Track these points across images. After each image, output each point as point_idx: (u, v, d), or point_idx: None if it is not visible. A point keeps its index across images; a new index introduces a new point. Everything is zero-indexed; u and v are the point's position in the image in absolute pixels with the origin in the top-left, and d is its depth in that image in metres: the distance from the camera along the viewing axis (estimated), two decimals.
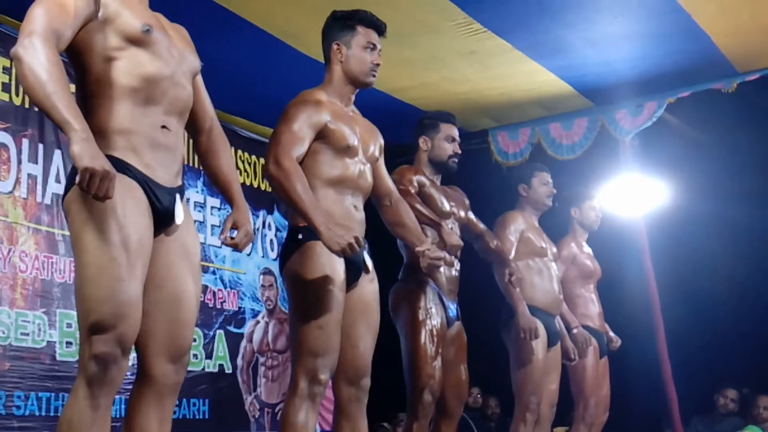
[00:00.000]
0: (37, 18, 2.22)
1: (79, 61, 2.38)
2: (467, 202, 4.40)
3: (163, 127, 2.42)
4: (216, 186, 2.76)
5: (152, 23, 2.45)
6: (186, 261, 2.46)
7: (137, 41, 2.38)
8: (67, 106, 2.14)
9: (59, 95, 2.13)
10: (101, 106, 2.36)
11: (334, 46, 3.33)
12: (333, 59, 3.34)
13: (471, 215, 4.37)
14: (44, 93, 2.13)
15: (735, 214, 6.05)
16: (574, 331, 4.90)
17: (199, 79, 2.65)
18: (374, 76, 3.35)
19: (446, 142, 4.23)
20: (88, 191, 2.10)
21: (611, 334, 5.31)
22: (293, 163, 3.07)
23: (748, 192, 6.07)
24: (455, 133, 4.29)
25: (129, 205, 2.29)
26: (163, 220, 2.40)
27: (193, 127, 2.67)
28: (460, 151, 4.28)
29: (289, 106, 3.24)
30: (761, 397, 6.42)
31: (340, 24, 3.35)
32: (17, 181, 4.64)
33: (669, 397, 6.21)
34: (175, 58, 2.48)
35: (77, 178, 2.09)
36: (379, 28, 3.37)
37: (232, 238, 2.62)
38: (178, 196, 2.46)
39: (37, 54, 2.16)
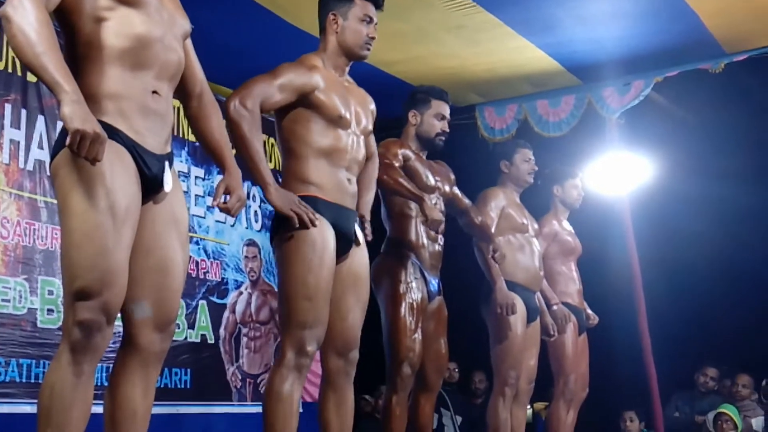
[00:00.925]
0: None
1: (68, 22, 2.35)
2: (453, 176, 4.40)
3: (154, 92, 2.40)
4: (206, 151, 2.74)
5: None
6: (174, 229, 2.45)
7: (127, 1, 2.35)
8: (58, 67, 2.12)
9: (49, 56, 2.11)
10: (90, 69, 2.33)
11: (330, 17, 3.31)
12: (328, 29, 3.32)
13: (456, 190, 4.37)
14: (34, 53, 2.11)
15: (720, 193, 6.08)
16: (554, 307, 4.93)
17: (189, 42, 2.63)
18: (368, 49, 3.34)
19: (435, 119, 4.21)
20: (78, 153, 2.09)
21: (589, 311, 5.34)
22: (255, 109, 3.04)
23: (733, 172, 6.11)
24: (446, 110, 4.28)
25: (117, 171, 2.27)
26: (151, 187, 2.39)
27: (183, 91, 2.64)
28: (448, 129, 4.27)
29: (284, 63, 3.23)
30: (740, 375, 6.48)
31: None
32: None
33: (649, 374, 6.27)
34: (165, 20, 2.45)
35: (67, 140, 2.08)
36: (377, 1, 3.35)
37: (224, 203, 2.63)
38: (167, 163, 2.44)
39: (27, 14, 2.13)
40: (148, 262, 2.38)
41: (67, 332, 2.24)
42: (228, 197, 2.64)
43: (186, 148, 5.85)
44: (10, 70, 4.59)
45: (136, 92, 2.36)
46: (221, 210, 2.65)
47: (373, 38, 3.33)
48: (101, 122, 2.25)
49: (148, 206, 2.40)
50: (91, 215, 2.22)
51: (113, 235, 2.23)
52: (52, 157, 2.32)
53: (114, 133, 2.29)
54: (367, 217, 3.47)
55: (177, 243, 2.45)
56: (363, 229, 3.35)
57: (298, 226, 2.98)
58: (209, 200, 6.01)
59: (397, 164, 3.96)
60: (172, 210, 2.46)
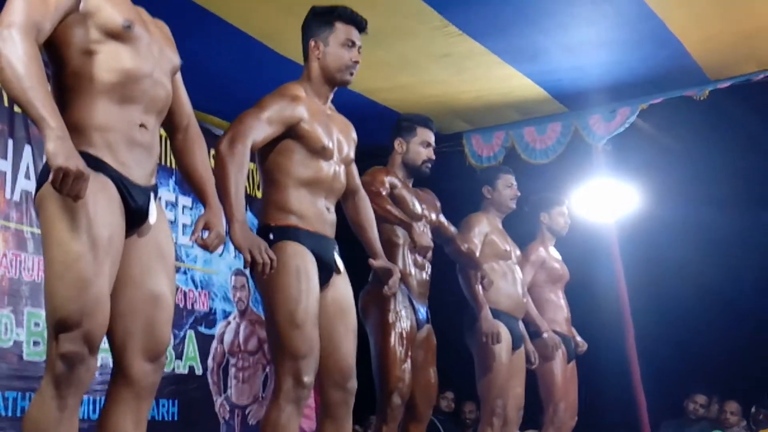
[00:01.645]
0: (16, 9, 2.19)
1: (57, 54, 2.35)
2: (438, 204, 4.41)
3: (141, 125, 2.40)
4: (190, 185, 2.73)
5: (134, 18, 2.42)
6: (161, 262, 2.45)
7: (117, 36, 2.36)
8: (44, 102, 2.11)
9: (36, 90, 2.11)
10: (78, 102, 2.34)
11: (312, 43, 3.30)
12: (311, 56, 3.31)
13: (442, 218, 4.37)
14: (21, 88, 2.11)
15: (706, 219, 6.10)
16: (545, 335, 4.93)
17: (179, 76, 2.63)
18: (352, 74, 3.31)
19: (421, 147, 4.22)
20: (60, 190, 2.09)
21: (578, 338, 5.35)
22: (244, 150, 3.03)
23: (719, 198, 6.14)
24: (431, 138, 4.28)
25: (101, 203, 2.27)
26: (137, 219, 2.39)
27: (171, 124, 2.65)
28: (434, 157, 4.27)
29: (268, 95, 3.22)
30: (729, 402, 6.49)
31: (319, 20, 3.31)
32: None
33: (638, 402, 6.26)
34: (155, 55, 2.46)
35: (50, 177, 2.08)
36: (359, 24, 3.32)
37: (203, 239, 2.62)
38: (152, 195, 2.45)
39: (16, 47, 2.13)
40: (138, 294, 2.38)
41: (50, 365, 2.22)
42: (207, 232, 2.62)
43: (173, 177, 5.84)
44: None
45: (123, 125, 2.36)
46: (199, 246, 2.63)
47: (356, 62, 3.29)
48: (87, 154, 2.27)
49: (134, 239, 2.40)
50: (72, 246, 2.22)
51: (94, 266, 2.23)
52: (37, 188, 2.31)
53: (100, 165, 2.30)
54: (381, 252, 3.55)
55: (164, 275, 2.45)
56: (383, 267, 3.47)
57: (259, 269, 2.88)
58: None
59: (384, 192, 3.97)
60: (158, 243, 2.46)
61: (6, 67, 2.12)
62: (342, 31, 3.28)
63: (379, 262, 3.52)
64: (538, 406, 5.14)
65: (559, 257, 5.35)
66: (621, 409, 6.35)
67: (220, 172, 2.98)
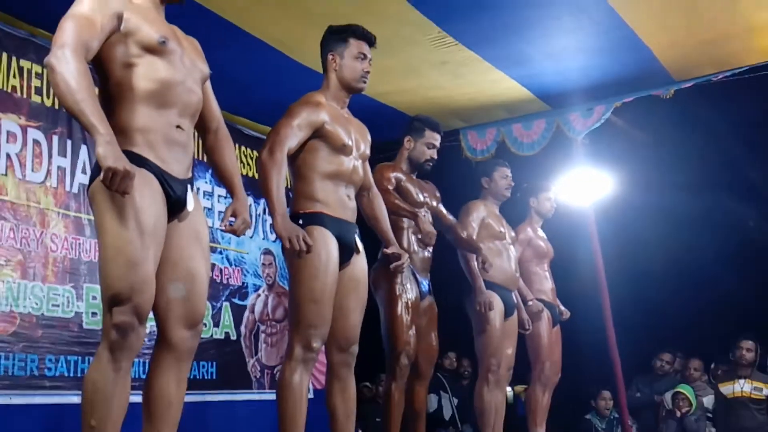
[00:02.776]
0: (67, 31, 2.22)
1: (103, 67, 2.37)
2: (438, 194, 4.40)
3: (177, 126, 2.42)
4: (220, 179, 2.75)
5: (168, 35, 2.44)
6: (197, 244, 2.47)
7: (154, 50, 2.38)
8: (94, 112, 2.14)
9: (87, 102, 2.13)
10: (122, 108, 2.36)
11: (330, 57, 3.32)
12: (329, 68, 3.33)
13: (441, 207, 4.36)
14: (74, 100, 2.13)
15: (672, 202, 6.10)
16: (530, 303, 4.95)
17: (208, 85, 2.64)
18: (365, 82, 3.33)
19: (426, 147, 4.22)
20: (109, 187, 2.12)
21: (562, 307, 5.35)
22: (282, 156, 3.08)
23: (684, 184, 6.13)
24: (437, 141, 4.27)
25: (145, 195, 2.29)
26: (176, 208, 2.41)
27: (202, 126, 2.66)
28: (436, 157, 4.27)
29: (294, 104, 3.24)
30: (692, 359, 6.51)
31: (335, 37, 3.34)
32: (48, 172, 4.63)
33: (613, 361, 6.26)
34: (186, 66, 2.47)
35: (101, 176, 2.10)
36: (369, 39, 3.35)
37: (231, 226, 2.63)
38: (189, 186, 2.46)
39: (69, 65, 2.16)
40: (177, 272, 2.40)
41: (106, 334, 2.26)
42: (234, 220, 2.64)
43: (210, 171, 5.86)
44: (57, 107, 4.60)
45: (161, 127, 2.38)
46: (227, 231, 2.64)
47: (367, 72, 3.32)
48: (132, 152, 2.29)
49: (174, 224, 2.42)
50: (122, 233, 2.24)
51: (141, 250, 2.25)
52: (90, 184, 2.33)
53: (143, 162, 2.32)
54: (394, 240, 3.58)
55: (200, 254, 2.47)
56: (394, 254, 3.49)
57: (296, 253, 2.96)
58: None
59: (391, 188, 4.00)
60: (195, 227, 2.48)
61: (61, 82, 2.15)
62: (355, 46, 3.31)
63: (392, 249, 3.54)
64: (526, 365, 5.15)
65: (545, 236, 5.35)
66: (599, 366, 6.36)
67: (263, 175, 3.06)
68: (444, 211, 4.36)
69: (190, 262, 2.43)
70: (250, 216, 6.16)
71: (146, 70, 2.36)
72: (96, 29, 2.27)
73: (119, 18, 2.34)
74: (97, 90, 2.39)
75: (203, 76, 2.57)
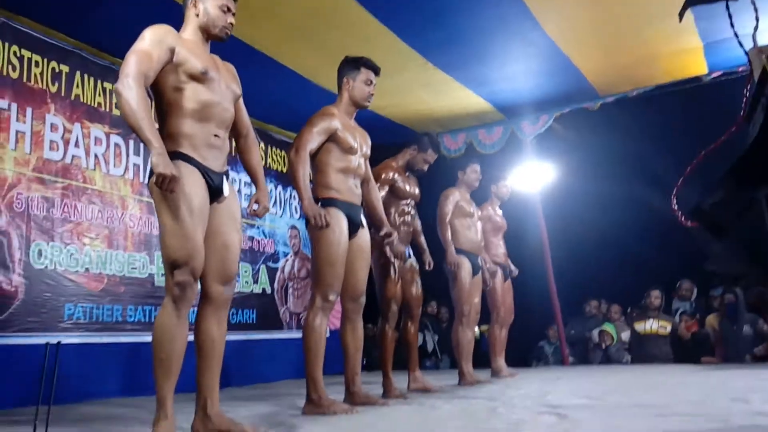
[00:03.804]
0: (131, 64, 2.21)
1: (158, 90, 2.36)
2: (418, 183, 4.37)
3: (215, 135, 2.40)
4: (247, 173, 2.69)
5: (209, 65, 2.41)
6: (232, 221, 2.44)
7: (197, 78, 2.36)
8: (150, 130, 2.14)
9: (145, 122, 2.14)
10: (172, 120, 2.35)
11: (345, 80, 3.32)
12: (343, 88, 3.33)
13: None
14: (135, 119, 2.14)
15: (601, 189, 6.10)
16: (488, 265, 4.97)
17: (240, 102, 2.60)
18: (370, 102, 3.35)
19: (425, 162, 4.15)
20: (160, 188, 2.15)
21: (512, 266, 5.36)
22: (306, 154, 3.09)
23: (608, 175, 6.12)
24: (432, 160, 4.20)
25: (192, 185, 2.29)
26: (215, 194, 2.40)
27: (235, 133, 2.63)
28: (425, 170, 4.19)
29: (314, 115, 3.23)
30: (613, 305, 6.55)
31: (351, 65, 3.34)
32: (126, 168, 4.63)
33: (554, 306, 6.33)
34: (222, 90, 2.44)
35: (154, 179, 2.14)
36: (377, 70, 3.36)
37: (254, 210, 2.60)
38: (224, 177, 2.44)
39: (132, 92, 2.16)
40: (216, 242, 2.38)
41: (168, 290, 2.26)
42: (257, 206, 2.60)
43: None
44: None
45: (203, 135, 2.37)
46: (251, 214, 2.61)
47: (372, 94, 3.33)
48: (180, 152, 2.30)
49: (214, 206, 2.40)
50: (176, 214, 2.24)
51: (191, 227, 2.25)
52: (149, 180, 2.30)
53: (189, 159, 2.32)
54: (386, 221, 3.51)
55: (233, 229, 2.45)
56: (386, 233, 3.44)
57: (317, 227, 3.02)
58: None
59: (388, 178, 3.97)
60: (230, 208, 2.45)
61: (125, 105, 2.16)
62: (365, 73, 3.31)
63: (385, 229, 3.49)
64: (487, 310, 5.17)
65: (501, 213, 5.36)
66: (543, 311, 6.40)
67: (292, 169, 3.07)
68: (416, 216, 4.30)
69: (226, 235, 2.41)
70: (280, 200, 6.22)
71: (191, 93, 2.35)
72: (153, 61, 2.26)
73: (172, 52, 2.33)
74: (153, 104, 2.39)
75: (235, 96, 2.54)
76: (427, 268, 4.29)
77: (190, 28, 2.47)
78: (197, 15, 2.47)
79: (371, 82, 3.32)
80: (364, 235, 3.29)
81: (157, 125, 2.35)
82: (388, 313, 3.90)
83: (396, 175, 4.07)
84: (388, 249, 3.62)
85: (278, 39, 4.54)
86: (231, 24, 2.50)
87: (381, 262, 3.87)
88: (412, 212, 4.15)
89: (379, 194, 3.57)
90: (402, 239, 4.03)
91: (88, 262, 4.23)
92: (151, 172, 2.20)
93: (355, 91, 3.29)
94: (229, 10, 2.49)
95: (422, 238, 4.33)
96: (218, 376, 2.40)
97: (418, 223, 4.29)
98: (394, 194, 4.04)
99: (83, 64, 4.41)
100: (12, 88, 3.96)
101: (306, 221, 3.06)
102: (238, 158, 2.65)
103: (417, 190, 4.23)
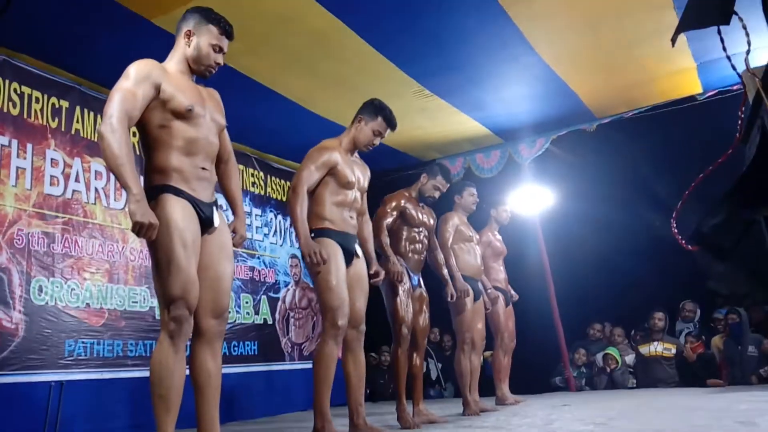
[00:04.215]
0: (115, 103, 2.21)
1: (143, 128, 2.36)
2: (434, 215, 4.35)
3: (203, 168, 2.40)
4: (226, 199, 2.67)
5: (195, 99, 2.40)
6: (223, 251, 2.42)
7: (182, 116, 2.35)
8: (129, 175, 2.13)
9: (125, 167, 2.13)
10: (159, 154, 2.34)
11: (359, 118, 3.33)
12: (354, 126, 3.34)
13: (432, 229, 4.30)
14: (116, 164, 2.14)
15: (599, 211, 6.11)
16: (489, 291, 4.95)
17: (224, 132, 2.59)
18: (368, 150, 3.35)
19: (435, 189, 4.16)
20: (137, 235, 2.15)
21: (513, 291, 5.34)
22: (304, 193, 3.11)
23: (606, 196, 6.14)
24: (444, 186, 4.20)
25: (185, 217, 2.28)
26: (206, 224, 2.39)
27: (218, 159, 2.59)
28: (437, 197, 4.21)
29: (313, 149, 3.24)
30: (616, 328, 6.52)
31: (371, 108, 3.34)
32: (127, 201, 4.63)
33: (557, 330, 6.29)
34: (207, 124, 2.43)
35: (131, 227, 2.14)
36: (393, 126, 3.35)
37: (232, 240, 2.56)
38: (214, 208, 2.43)
39: (115, 134, 2.16)
40: (207, 274, 2.36)
41: (164, 325, 2.24)
42: (234, 235, 2.57)
43: (248, 196, 5.87)
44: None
45: (190, 168, 2.36)
46: None
47: (374, 146, 3.34)
48: (170, 185, 2.29)
49: (205, 237, 2.38)
50: (170, 249, 2.23)
51: (186, 260, 2.24)
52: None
53: (179, 192, 2.31)
54: (375, 261, 3.46)
55: (225, 260, 2.42)
56: (374, 272, 3.39)
57: (313, 263, 3.02)
58: (264, 229, 6.03)
59: (390, 218, 3.97)
60: (221, 238, 2.43)
61: (107, 148, 2.16)
62: (380, 124, 3.32)
63: (373, 269, 3.43)
64: (491, 336, 5.14)
65: (501, 239, 5.35)
66: (546, 335, 6.35)
67: (291, 207, 3.10)
68: (434, 237, 4.31)
69: (218, 266, 2.39)
70: (281, 230, 6.22)
71: (176, 131, 2.34)
72: (138, 100, 2.25)
73: (157, 88, 2.32)
74: (139, 138, 2.38)
75: (220, 127, 2.52)
76: (449, 299, 4.28)
77: (177, 57, 2.46)
78: (188, 45, 2.46)
79: (381, 134, 3.33)
80: (360, 264, 3.28)
81: (143, 158, 2.35)
82: (399, 338, 3.86)
83: (406, 203, 4.08)
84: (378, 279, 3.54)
85: (276, 69, 4.58)
86: (217, 63, 2.49)
87: (390, 288, 3.85)
88: (425, 241, 4.14)
89: (371, 229, 3.54)
90: (412, 267, 4.04)
91: (88, 297, 4.22)
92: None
93: (361, 134, 3.31)
94: (220, 50, 2.48)
95: (444, 270, 4.31)
96: (217, 409, 2.37)
97: (439, 256, 4.30)
98: (405, 221, 4.05)
99: (83, 99, 4.44)
100: (13, 124, 3.99)
101: (302, 257, 3.07)
102: (218, 184, 2.58)
103: (431, 221, 4.24)
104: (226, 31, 2.49)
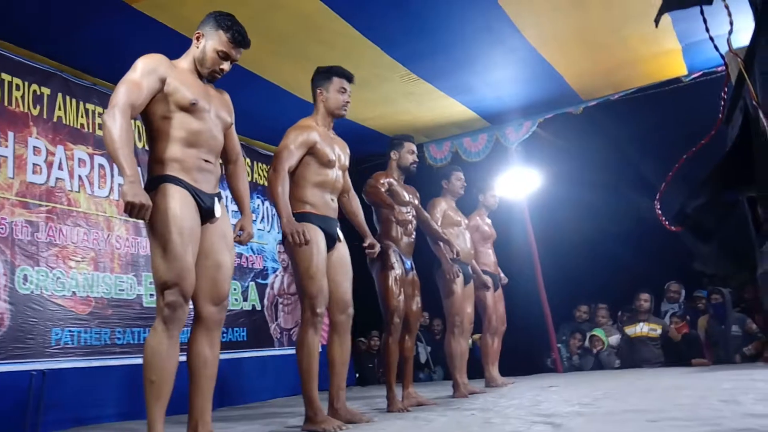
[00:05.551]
0: (120, 94, 2.25)
1: (147, 118, 2.40)
2: (418, 195, 4.37)
3: (206, 161, 2.42)
4: (234, 198, 2.70)
5: (200, 95, 2.43)
6: (223, 241, 2.46)
7: (186, 109, 2.39)
8: (126, 158, 2.15)
9: (123, 151, 2.15)
10: (162, 145, 2.37)
11: (318, 91, 3.29)
12: (318, 100, 3.29)
13: (418, 204, 4.34)
14: (113, 148, 2.16)
15: (586, 193, 6.13)
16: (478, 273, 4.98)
17: (232, 129, 2.62)
18: (346, 110, 3.29)
19: (409, 154, 4.14)
20: (130, 215, 2.15)
21: (502, 275, 5.38)
22: (284, 172, 3.06)
23: (593, 179, 6.16)
24: (415, 147, 4.21)
25: (183, 206, 2.30)
26: (207, 215, 2.41)
27: (225, 158, 2.65)
28: (417, 160, 4.21)
29: (291, 129, 3.19)
30: (601, 309, 6.58)
31: (322, 76, 3.30)
32: (111, 188, 4.61)
33: (545, 312, 6.34)
34: (212, 119, 2.46)
35: (124, 207, 2.13)
36: (349, 77, 3.31)
37: (239, 237, 2.60)
38: (216, 198, 2.46)
39: (116, 122, 2.19)
40: (208, 262, 2.40)
41: (159, 311, 2.26)
42: (242, 233, 2.61)
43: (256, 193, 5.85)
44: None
45: (193, 160, 2.39)
46: (235, 241, 2.58)
47: (348, 102, 3.28)
48: (171, 175, 2.31)
49: (206, 226, 2.42)
50: (167, 236, 2.26)
51: (182, 248, 2.26)
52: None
53: (180, 182, 2.33)
54: (369, 233, 3.47)
55: (225, 249, 2.46)
56: (369, 245, 3.39)
57: (296, 245, 2.97)
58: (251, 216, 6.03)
59: (382, 189, 3.96)
60: (222, 228, 2.47)
61: (107, 134, 2.18)
62: (337, 82, 3.27)
63: (368, 241, 3.46)
64: (480, 320, 5.17)
65: (490, 222, 5.37)
66: (534, 317, 6.39)
67: (271, 187, 3.05)
68: (422, 209, 4.33)
69: (218, 255, 2.42)
70: (268, 216, 6.21)
71: (179, 122, 2.38)
72: (142, 92, 2.29)
73: (163, 81, 2.36)
74: (144, 129, 2.41)
75: (226, 124, 2.55)
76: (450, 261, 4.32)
77: (189, 57, 2.52)
78: (197, 47, 2.51)
79: (345, 89, 3.27)
80: (342, 248, 3.26)
81: (148, 150, 2.38)
82: (390, 326, 3.86)
83: (391, 180, 4.06)
84: (369, 252, 3.54)
85: (261, 54, 4.55)
86: (222, 70, 2.51)
87: (381, 274, 3.86)
88: (414, 221, 4.12)
89: (359, 203, 3.54)
90: (403, 251, 4.02)
91: (74, 285, 4.20)
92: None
93: (329, 102, 3.26)
94: (226, 57, 2.50)
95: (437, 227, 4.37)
96: (211, 397, 2.39)
97: (431, 221, 4.31)
98: (394, 200, 4.02)
99: (65, 86, 4.39)
100: None
101: (283, 237, 3.03)
102: (227, 183, 2.64)
103: (416, 200, 4.23)
104: (236, 40, 2.51)
